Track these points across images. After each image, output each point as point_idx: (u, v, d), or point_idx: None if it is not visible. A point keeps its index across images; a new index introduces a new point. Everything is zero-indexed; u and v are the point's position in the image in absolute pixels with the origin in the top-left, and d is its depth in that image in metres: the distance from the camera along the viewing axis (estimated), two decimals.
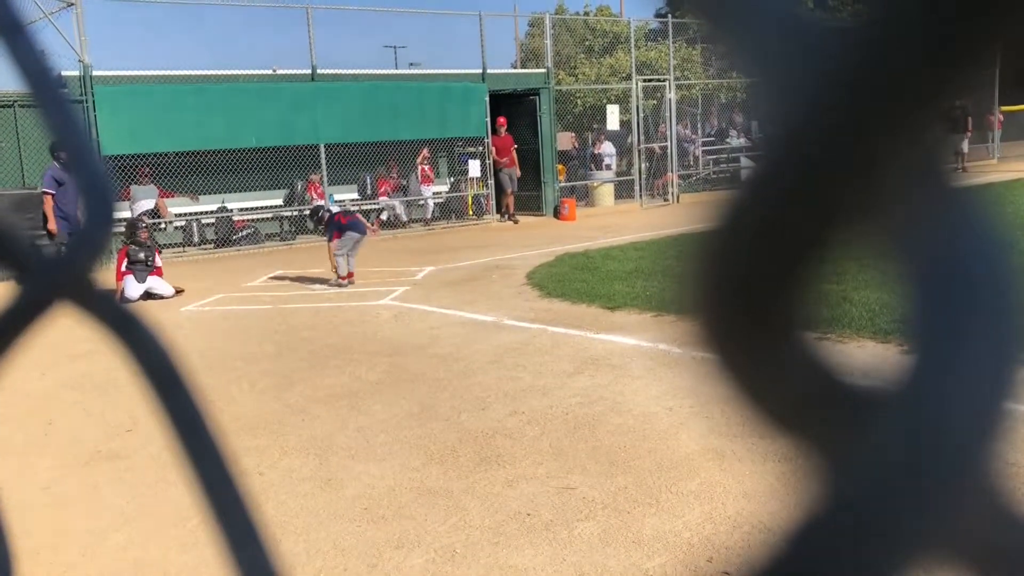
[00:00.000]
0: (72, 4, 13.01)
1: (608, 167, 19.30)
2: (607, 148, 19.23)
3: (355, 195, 16.09)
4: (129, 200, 13.81)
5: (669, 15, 20.72)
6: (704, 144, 21.35)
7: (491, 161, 17.35)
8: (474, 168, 17.25)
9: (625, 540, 3.41)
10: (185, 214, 14.82)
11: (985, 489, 0.18)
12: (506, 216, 17.47)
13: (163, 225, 14.44)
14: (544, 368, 6.06)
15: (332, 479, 4.25)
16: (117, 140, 13.02)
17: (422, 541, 3.51)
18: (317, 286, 10.48)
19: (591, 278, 9.59)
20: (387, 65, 34.61)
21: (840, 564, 0.18)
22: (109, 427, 5.29)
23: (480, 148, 17.52)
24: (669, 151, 19.50)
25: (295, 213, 15.61)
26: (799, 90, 0.18)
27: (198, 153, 14.17)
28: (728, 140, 21.38)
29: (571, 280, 9.58)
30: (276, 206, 15.67)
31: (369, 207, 15.88)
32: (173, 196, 14.68)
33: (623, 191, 19.43)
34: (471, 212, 17.71)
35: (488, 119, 17.09)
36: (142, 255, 10.34)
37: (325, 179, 15.24)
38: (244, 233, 14.94)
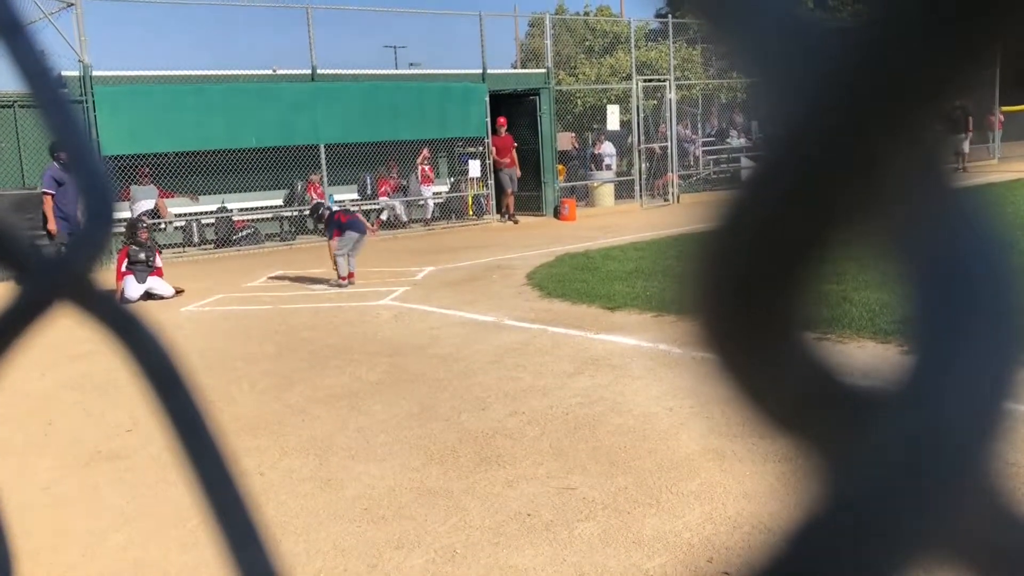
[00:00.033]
0: (72, 4, 13.01)
1: (608, 167, 19.30)
2: (607, 148, 19.23)
3: (355, 195, 16.09)
4: (129, 200, 13.81)
5: (669, 15, 20.72)
6: (704, 144, 21.35)
7: (491, 161, 17.35)
8: (474, 168, 17.25)
9: (625, 540, 3.41)
10: (185, 214, 14.82)
11: (985, 489, 0.18)
12: (506, 216, 17.47)
13: (163, 225, 14.44)
14: (544, 368, 6.06)
15: (332, 479, 4.25)
16: (117, 140, 13.02)
17: (422, 541, 3.51)
18: (317, 286, 10.48)
19: (591, 278, 9.59)
20: (387, 65, 34.60)
21: (840, 564, 0.18)
22: (109, 427, 5.29)
23: (480, 148, 17.52)
24: (669, 151, 19.50)
25: (295, 213, 15.61)
26: (799, 90, 0.18)
27: (198, 153, 14.17)
28: (728, 140, 21.38)
29: (571, 280, 9.58)
30: (276, 206, 15.67)
31: (369, 207, 15.88)
32: (173, 196, 14.68)
33: (623, 191, 19.43)
34: (471, 212, 17.71)
35: (488, 119, 17.09)
36: (142, 255, 10.34)
37: (325, 179, 15.24)
38: (244, 233, 14.94)
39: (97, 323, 0.46)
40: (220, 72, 15.04)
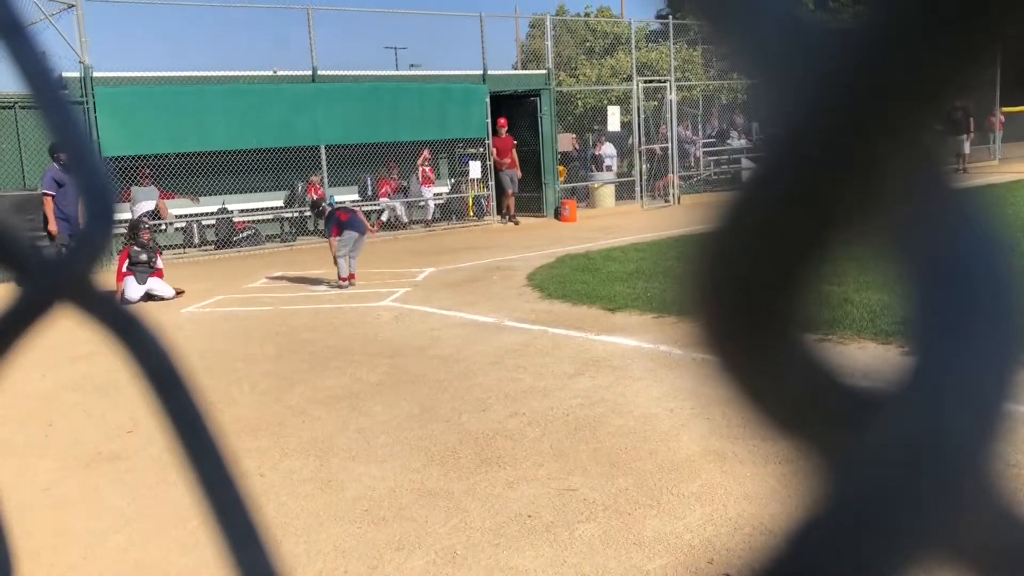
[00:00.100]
0: (72, 6, 13.02)
1: (609, 168, 19.30)
2: (608, 149, 19.24)
3: (356, 196, 16.09)
4: (129, 202, 13.81)
5: (670, 16, 20.72)
6: (705, 145, 21.35)
7: (492, 162, 17.35)
8: (475, 169, 17.25)
9: (626, 542, 3.41)
10: (185, 215, 14.82)
11: (985, 490, 0.18)
12: (507, 217, 17.47)
13: (163, 226, 14.44)
14: (545, 369, 6.06)
15: (333, 480, 4.25)
16: (117, 141, 13.03)
17: (423, 543, 3.51)
18: (318, 287, 10.48)
19: (592, 279, 9.59)
20: (388, 66, 34.62)
21: (841, 565, 0.18)
22: (110, 428, 5.29)
23: (481, 149, 17.53)
24: (670, 152, 19.50)
25: (296, 214, 15.62)
26: (799, 91, 0.18)
27: (199, 154, 14.18)
28: (729, 141, 21.39)
29: (572, 281, 9.58)
30: (277, 207, 15.67)
31: (370, 208, 15.88)
32: (174, 197, 14.68)
33: (624, 192, 19.43)
34: (472, 213, 17.71)
35: (489, 120, 17.09)
36: (144, 256, 10.34)
37: (326, 180, 15.24)
38: (245, 234, 14.94)
39: (98, 324, 0.46)
40: (221, 73, 15.05)
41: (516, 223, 17.24)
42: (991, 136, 24.59)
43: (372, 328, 7.96)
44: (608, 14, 31.65)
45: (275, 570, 0.43)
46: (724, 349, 0.21)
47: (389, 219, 16.57)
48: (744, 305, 0.20)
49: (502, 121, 17.16)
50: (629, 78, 20.00)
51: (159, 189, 14.28)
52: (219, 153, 14.26)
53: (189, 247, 14.69)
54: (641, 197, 19.28)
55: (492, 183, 17.48)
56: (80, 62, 13.17)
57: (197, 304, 9.89)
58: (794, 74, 0.18)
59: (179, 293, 10.44)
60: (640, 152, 19.24)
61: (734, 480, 3.88)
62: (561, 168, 18.90)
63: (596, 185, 19.12)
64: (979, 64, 0.17)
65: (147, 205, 13.97)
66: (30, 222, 11.27)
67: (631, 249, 11.86)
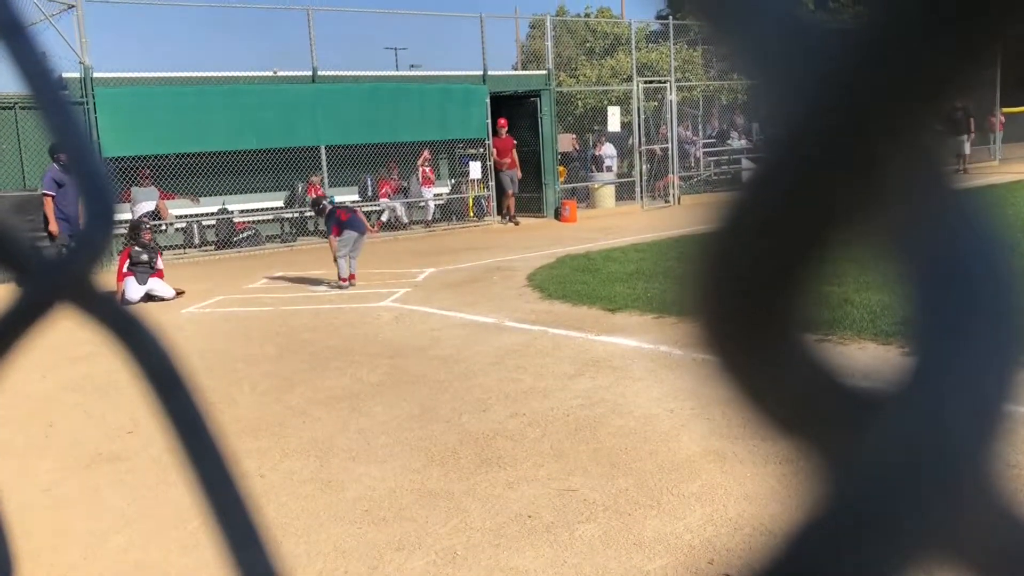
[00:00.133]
0: (73, 6, 13.03)
1: (609, 169, 19.30)
2: (608, 150, 19.24)
3: (356, 197, 16.09)
4: (130, 202, 13.82)
5: (670, 17, 20.73)
6: (705, 146, 21.36)
7: (492, 163, 17.35)
8: (475, 170, 17.26)
9: (626, 542, 3.41)
10: (186, 216, 14.83)
11: (985, 490, 0.18)
12: (507, 218, 17.47)
13: (164, 227, 14.44)
14: (545, 370, 6.06)
15: (333, 481, 4.25)
16: (118, 142, 13.03)
17: (423, 543, 3.51)
18: (318, 288, 10.48)
19: (592, 280, 9.59)
20: (388, 67, 34.64)
21: (841, 565, 0.18)
22: (110, 429, 5.29)
23: (481, 150, 17.53)
24: (670, 153, 19.50)
25: (296, 215, 15.62)
26: (800, 91, 0.18)
27: (199, 155, 14.19)
28: (729, 142, 21.39)
29: (572, 282, 9.58)
30: (277, 208, 15.68)
31: (370, 209, 15.88)
32: (174, 198, 14.68)
33: (624, 193, 19.43)
34: (472, 214, 17.71)
35: (489, 121, 17.09)
36: (145, 256, 10.34)
37: (326, 181, 15.24)
38: (245, 235, 14.94)
39: (98, 325, 0.46)
40: (221, 74, 15.05)
41: (516, 223, 17.24)
42: (991, 137, 24.59)
43: (372, 328, 7.96)
44: (608, 15, 31.65)
45: (275, 571, 0.43)
46: (724, 349, 0.21)
47: (389, 219, 16.57)
48: (744, 305, 0.20)
49: (502, 121, 17.17)
50: (629, 78, 20.00)
51: (159, 190, 14.28)
52: (219, 154, 14.27)
53: (189, 247, 14.69)
54: (641, 197, 19.28)
55: (492, 183, 17.48)
56: (80, 63, 13.17)
57: (197, 304, 9.89)
58: (794, 74, 0.18)
59: (179, 293, 10.44)
60: (640, 152, 19.24)
61: (734, 480, 3.88)
62: (561, 168, 18.90)
63: (596, 185, 19.12)
64: (979, 64, 0.17)
65: (147, 206, 13.97)
66: (30, 223, 11.27)
67: (631, 250, 11.86)
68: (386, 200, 16.53)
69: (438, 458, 4.46)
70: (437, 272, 11.32)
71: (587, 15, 31.34)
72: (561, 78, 21.99)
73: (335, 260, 10.17)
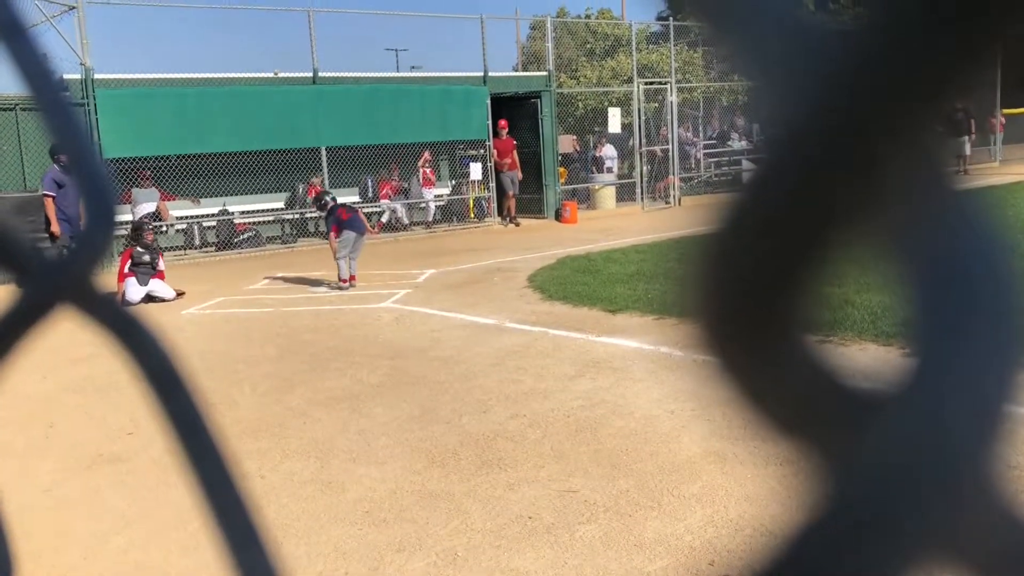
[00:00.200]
0: (73, 7, 13.03)
1: (609, 170, 19.31)
2: (608, 151, 19.24)
3: (356, 198, 16.10)
4: (130, 203, 13.82)
5: (670, 18, 20.74)
6: (705, 147, 21.36)
7: (492, 164, 17.35)
8: (475, 171, 17.26)
9: (627, 543, 3.40)
10: (186, 217, 14.83)
11: (986, 491, 0.18)
12: (507, 219, 17.47)
13: (164, 228, 14.45)
14: (545, 371, 6.06)
15: (333, 482, 4.25)
16: (118, 143, 13.03)
17: (423, 544, 3.51)
18: (318, 289, 10.48)
19: (592, 281, 9.59)
20: (388, 68, 34.64)
21: (842, 566, 0.18)
22: (110, 430, 5.29)
23: (481, 151, 17.53)
24: (670, 154, 19.51)
25: (296, 216, 15.62)
26: (800, 92, 0.18)
27: (199, 156, 14.19)
28: (729, 143, 21.39)
29: (572, 283, 9.58)
30: (277, 209, 15.68)
31: (370, 210, 15.88)
32: (174, 199, 14.68)
33: (624, 194, 19.43)
34: (472, 215, 17.72)
35: (489, 122, 17.10)
36: (147, 257, 10.35)
37: (327, 182, 15.24)
38: (245, 236, 14.95)
39: (98, 326, 0.46)
40: (221, 75, 15.06)
41: (517, 224, 17.25)
42: (992, 138, 24.59)
43: (373, 329, 7.96)
44: (609, 16, 31.67)
45: (276, 572, 0.43)
46: (725, 350, 0.21)
47: (390, 220, 16.57)
48: (745, 306, 0.20)
49: (503, 123, 17.17)
50: (630, 80, 20.01)
51: (160, 191, 14.28)
52: (220, 155, 14.27)
53: (190, 249, 14.70)
54: (642, 199, 19.28)
55: (493, 184, 17.48)
56: (81, 64, 13.18)
57: (198, 306, 9.89)
58: (795, 75, 0.18)
59: (180, 295, 10.44)
60: (641, 154, 19.24)
61: (735, 481, 3.88)
62: (562, 170, 18.91)
63: (597, 187, 19.13)
64: (979, 65, 0.17)
65: (148, 207, 13.97)
66: (31, 224, 11.27)
67: (632, 251, 11.86)
68: (387, 201, 16.53)
69: (439, 459, 4.46)
70: (438, 273, 11.32)
71: (587, 16, 31.36)
72: (562, 79, 21.99)
73: (336, 260, 10.17)
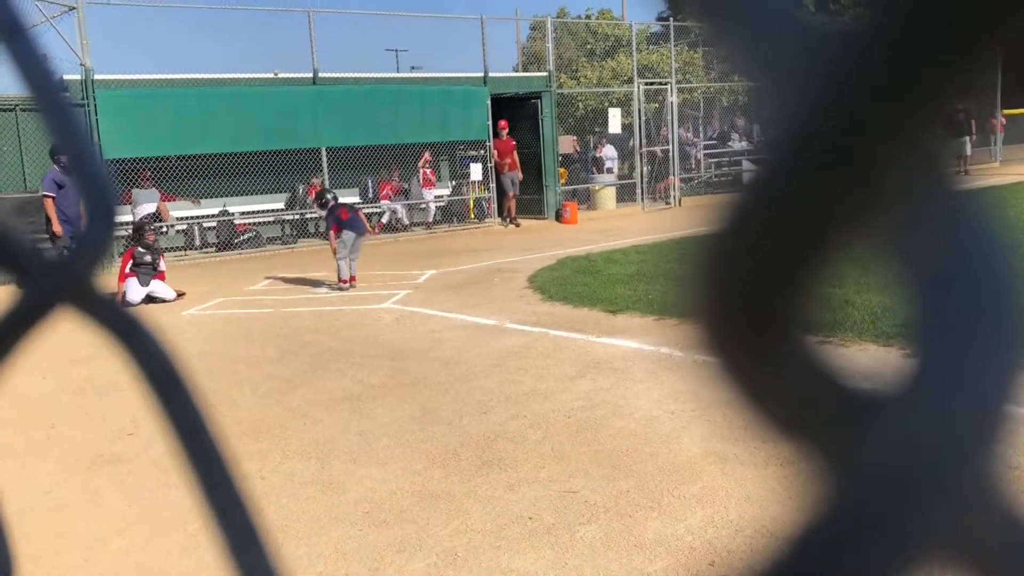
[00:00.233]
0: (73, 8, 13.04)
1: (610, 170, 19.31)
2: (609, 151, 19.24)
3: (357, 198, 16.10)
4: (131, 204, 13.82)
5: (671, 18, 20.74)
6: (706, 147, 21.36)
7: (493, 164, 17.36)
8: (476, 171, 17.26)
9: (627, 544, 3.40)
10: (186, 218, 14.83)
11: (986, 492, 0.18)
12: (508, 219, 17.47)
13: (164, 229, 14.45)
14: (546, 372, 6.06)
15: (334, 483, 4.25)
16: (119, 144, 13.04)
17: (424, 545, 3.51)
18: (319, 289, 10.48)
19: (593, 281, 9.59)
20: (389, 68, 34.66)
21: (842, 567, 0.18)
22: (111, 431, 5.29)
23: (482, 151, 17.54)
24: (671, 154, 19.51)
25: (297, 217, 15.62)
26: (801, 93, 0.18)
27: (200, 157, 14.19)
28: (730, 143, 21.39)
29: (573, 284, 9.58)
30: (278, 209, 15.68)
31: (371, 210, 15.88)
32: (175, 200, 14.69)
33: (625, 194, 19.43)
34: (473, 215, 17.72)
35: (490, 122, 17.10)
36: (148, 258, 10.35)
37: (327, 182, 15.23)
38: (245, 237, 14.95)
39: (99, 327, 0.46)
40: (222, 75, 15.06)
41: (517, 225, 17.25)
42: (992, 138, 24.61)
43: (373, 330, 7.96)
44: (609, 16, 31.68)
45: (276, 573, 0.43)
46: (725, 351, 0.21)
47: (390, 221, 16.58)
48: (745, 307, 0.20)
49: (503, 123, 17.17)
50: (630, 80, 20.01)
51: (160, 191, 14.29)
52: (220, 155, 14.27)
53: (190, 249, 14.70)
54: (642, 199, 19.28)
55: (493, 185, 17.48)
56: (81, 64, 13.18)
57: (198, 306, 9.89)
58: (795, 76, 0.18)
59: (180, 295, 10.44)
60: (641, 154, 19.24)
61: (735, 482, 3.88)
62: (562, 170, 18.92)
63: (597, 187, 19.13)
64: (979, 65, 0.17)
65: (148, 207, 13.97)
66: (31, 224, 11.28)
67: (632, 251, 11.86)
68: (387, 202, 16.54)
69: (439, 460, 4.46)
70: (438, 274, 11.32)
71: (588, 17, 31.36)
72: (562, 80, 22.00)
73: (336, 260, 10.17)
